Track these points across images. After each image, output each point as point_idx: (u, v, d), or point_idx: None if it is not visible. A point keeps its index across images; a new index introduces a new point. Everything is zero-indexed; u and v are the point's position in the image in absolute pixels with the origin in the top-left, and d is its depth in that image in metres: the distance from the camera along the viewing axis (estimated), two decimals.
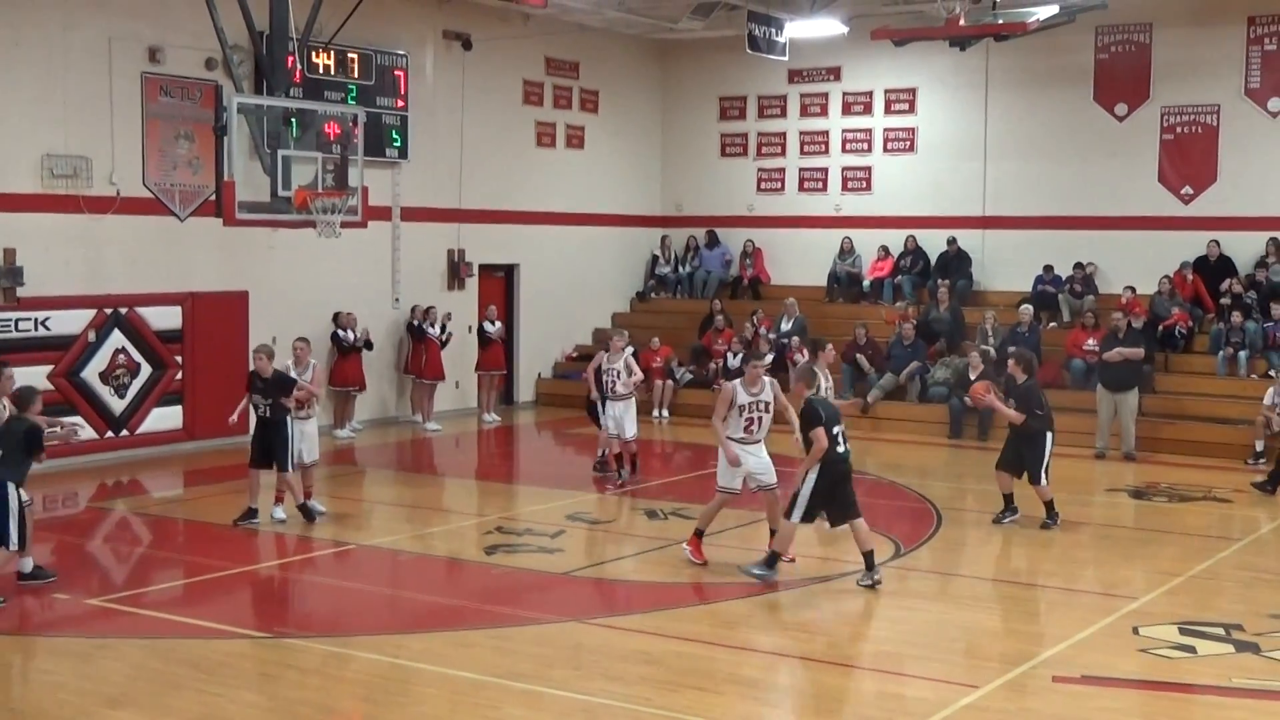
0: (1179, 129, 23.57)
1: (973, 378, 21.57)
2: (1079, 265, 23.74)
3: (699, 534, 13.25)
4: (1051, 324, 23.41)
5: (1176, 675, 10.11)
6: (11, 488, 11.81)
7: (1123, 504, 17.23)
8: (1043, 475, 15.03)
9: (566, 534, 14.52)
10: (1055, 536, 14.73)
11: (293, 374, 14.82)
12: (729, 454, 12.91)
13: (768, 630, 11.58)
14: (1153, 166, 23.74)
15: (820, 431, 12.14)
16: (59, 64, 18.29)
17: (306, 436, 14.99)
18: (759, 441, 13.08)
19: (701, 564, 13.05)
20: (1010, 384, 15.63)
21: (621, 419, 17.22)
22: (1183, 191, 23.57)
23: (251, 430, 14.93)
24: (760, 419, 12.97)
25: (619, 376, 17.21)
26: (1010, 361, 15.76)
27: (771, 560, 12.64)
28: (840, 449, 12.31)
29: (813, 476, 12.24)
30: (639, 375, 17.58)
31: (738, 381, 13.12)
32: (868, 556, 12.39)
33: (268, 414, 14.55)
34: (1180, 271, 22.94)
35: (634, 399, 17.41)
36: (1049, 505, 15.08)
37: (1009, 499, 15.32)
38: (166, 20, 19.18)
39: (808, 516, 12.40)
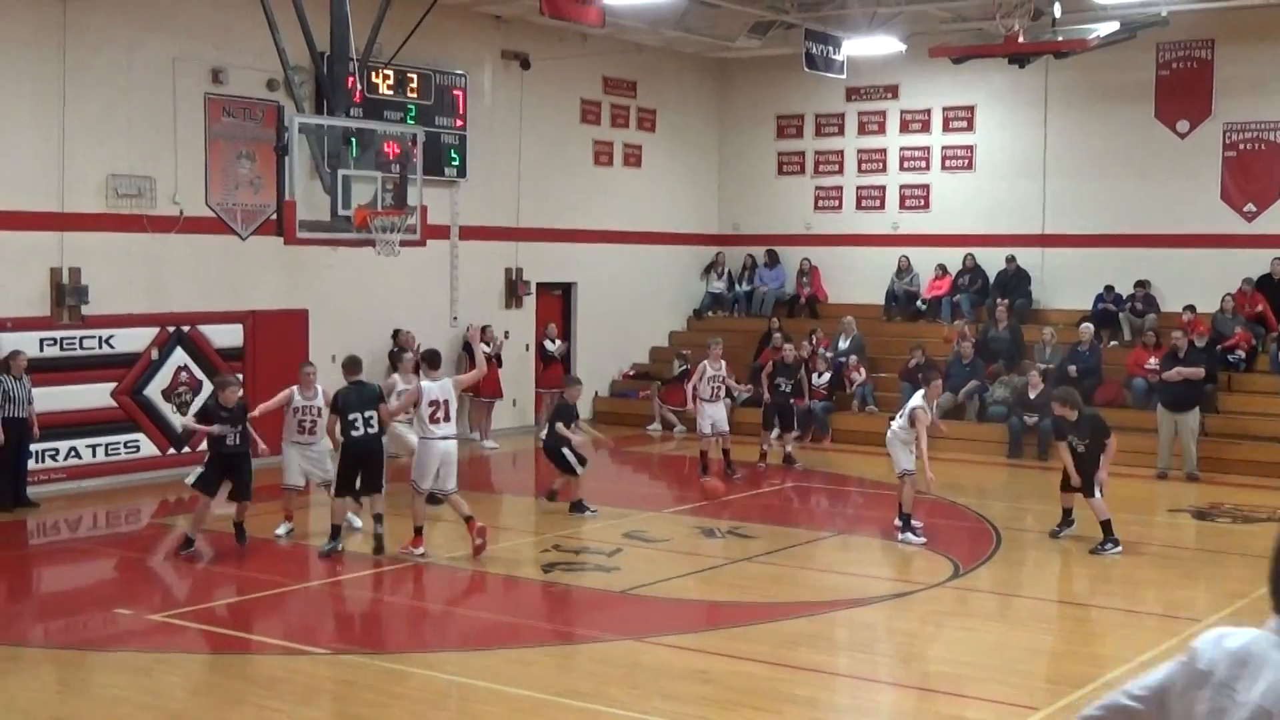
0: (1242, 146, 23.33)
1: (1032, 396, 21.46)
2: (1139, 283, 23.54)
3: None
4: (1112, 343, 23.21)
5: None
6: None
7: (1185, 525, 17.04)
8: (1095, 487, 14.72)
9: (624, 552, 14.51)
10: (1116, 557, 14.55)
11: (299, 400, 14.96)
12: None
13: (826, 650, 11.53)
14: (1215, 184, 23.50)
15: (333, 418, 14.19)
16: (124, 85, 18.54)
17: (314, 459, 15.19)
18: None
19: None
20: (1066, 424, 15.09)
21: (720, 419, 19.44)
22: (1245, 209, 23.32)
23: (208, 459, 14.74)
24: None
25: (722, 383, 19.57)
26: (1055, 406, 15.32)
27: (335, 532, 14.36)
28: (355, 432, 14.02)
29: (336, 457, 14.33)
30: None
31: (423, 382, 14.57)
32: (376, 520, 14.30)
33: (237, 442, 14.35)
34: (1243, 289, 22.68)
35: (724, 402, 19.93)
36: (1105, 526, 14.67)
37: (1068, 512, 15.23)
38: (229, 41, 19.40)
39: (339, 491, 14.41)
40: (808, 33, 22.03)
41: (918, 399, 15.38)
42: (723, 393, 19.71)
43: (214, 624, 11.94)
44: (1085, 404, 21.48)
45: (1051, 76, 24.12)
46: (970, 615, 12.60)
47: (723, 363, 19.75)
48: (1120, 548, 14.64)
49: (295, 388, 15.07)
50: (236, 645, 11.40)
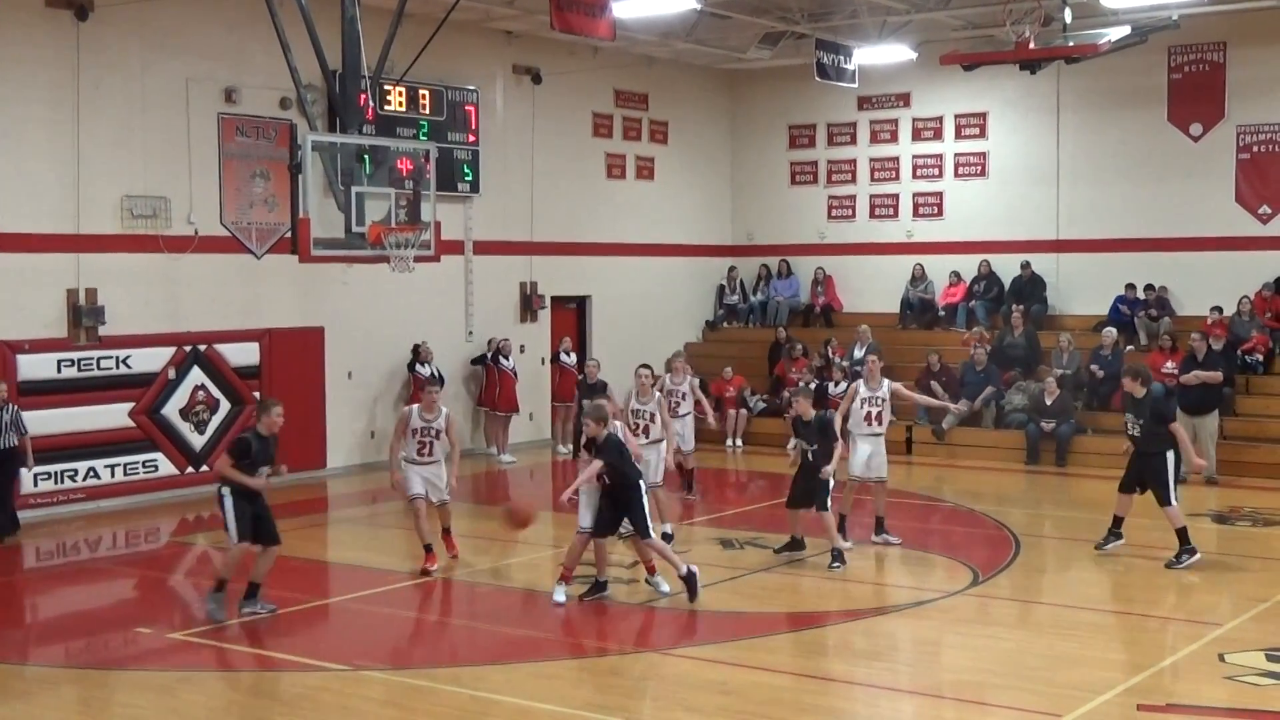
0: (1255, 148, 23.27)
1: (1049, 402, 21.43)
2: (1149, 287, 23.44)
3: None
4: (1129, 347, 23.14)
5: (1265, 703, 9.94)
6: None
7: (1205, 529, 16.94)
8: (1172, 496, 14.29)
9: (642, 565, 14.47)
10: (1136, 562, 14.49)
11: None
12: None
13: (846, 660, 11.51)
14: (1229, 186, 23.45)
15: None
16: (138, 106, 18.62)
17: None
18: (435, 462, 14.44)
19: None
20: (1129, 401, 14.70)
21: (685, 434, 18.03)
22: (1260, 211, 23.26)
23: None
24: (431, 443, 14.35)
25: (684, 397, 18.03)
26: (1125, 380, 14.78)
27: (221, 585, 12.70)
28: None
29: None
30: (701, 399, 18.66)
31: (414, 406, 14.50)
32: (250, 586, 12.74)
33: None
34: (1261, 292, 22.60)
35: (692, 416, 18.27)
36: (1181, 534, 14.25)
37: (1118, 521, 14.78)
38: (242, 61, 19.48)
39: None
40: (818, 43, 22.05)
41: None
42: (687, 407, 18.05)
43: (235, 642, 11.95)
44: (1105, 408, 21.51)
45: (1063, 82, 24.10)
46: (990, 623, 12.57)
47: (686, 376, 18.34)
48: (1198, 555, 14.19)
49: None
50: (258, 663, 11.42)
